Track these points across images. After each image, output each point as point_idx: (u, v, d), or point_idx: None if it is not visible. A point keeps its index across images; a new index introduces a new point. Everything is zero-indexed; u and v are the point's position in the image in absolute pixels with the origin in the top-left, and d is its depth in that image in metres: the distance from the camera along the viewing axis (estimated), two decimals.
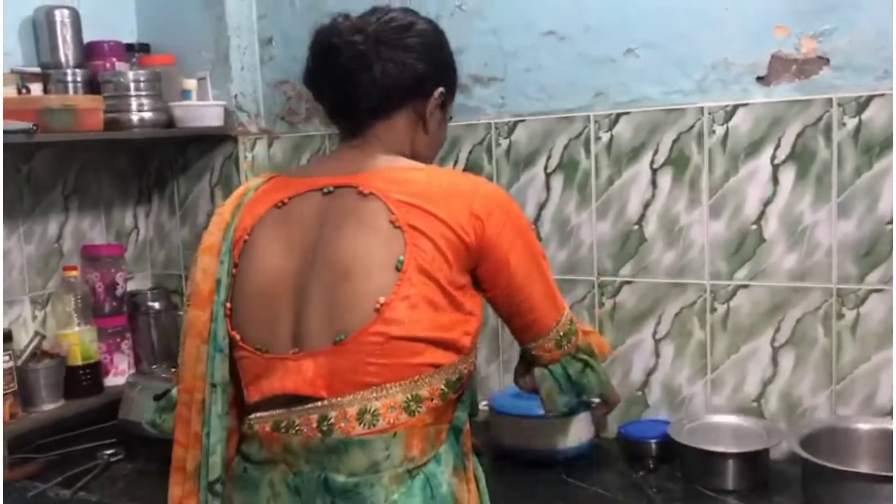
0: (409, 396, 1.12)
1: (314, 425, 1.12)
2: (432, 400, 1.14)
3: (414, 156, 1.26)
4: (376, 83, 1.19)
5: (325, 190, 1.19)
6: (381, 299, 1.10)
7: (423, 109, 1.25)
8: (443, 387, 1.15)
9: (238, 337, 1.19)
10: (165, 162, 2.33)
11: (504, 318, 1.28)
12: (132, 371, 2.17)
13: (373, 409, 1.11)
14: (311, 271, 1.15)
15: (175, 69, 2.16)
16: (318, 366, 1.12)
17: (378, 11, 1.24)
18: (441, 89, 1.26)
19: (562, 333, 1.28)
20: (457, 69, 1.32)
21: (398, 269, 1.11)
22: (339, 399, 1.11)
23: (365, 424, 1.10)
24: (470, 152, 2.02)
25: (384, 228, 1.13)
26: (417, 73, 1.21)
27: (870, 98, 1.60)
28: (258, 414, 1.17)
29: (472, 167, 2.02)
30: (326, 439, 1.11)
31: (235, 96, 2.20)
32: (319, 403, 1.12)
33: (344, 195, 1.18)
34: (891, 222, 1.61)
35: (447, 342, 1.15)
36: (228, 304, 1.20)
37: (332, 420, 1.11)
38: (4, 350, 1.85)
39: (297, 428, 1.13)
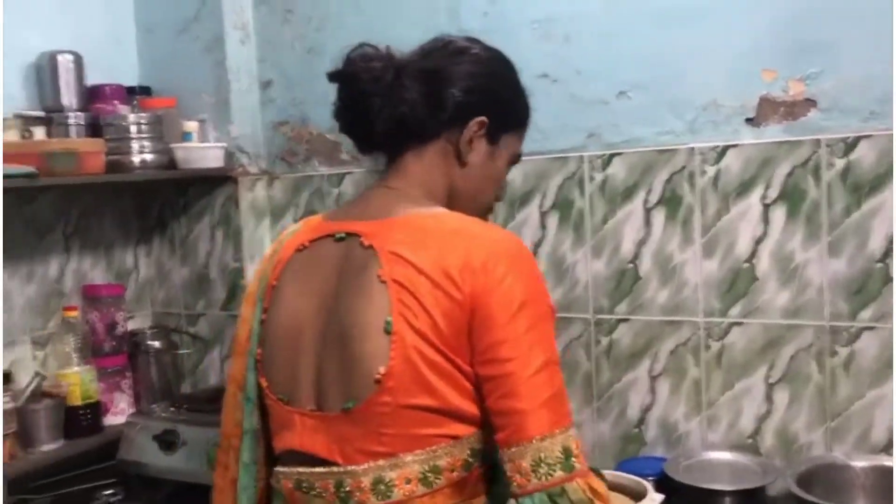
0: (427, 467, 1.04)
1: (332, 490, 1.07)
2: (453, 471, 1.06)
3: (453, 193, 1.19)
4: (394, 109, 1.13)
5: (337, 236, 1.15)
6: (381, 369, 1.03)
7: (458, 140, 1.17)
8: (467, 457, 1.07)
9: (265, 384, 1.17)
10: (167, 203, 2.35)
11: (488, 410, 1.05)
12: (132, 411, 2.18)
13: (387, 480, 1.04)
14: (330, 320, 1.11)
15: (176, 111, 2.20)
16: (332, 431, 1.08)
17: (438, 39, 1.21)
18: (481, 118, 1.16)
19: (543, 455, 0.98)
20: (519, 100, 1.24)
21: (388, 332, 1.03)
22: (353, 467, 1.06)
23: (379, 495, 1.04)
24: None
25: (375, 285, 1.06)
26: (454, 100, 1.15)
27: (857, 139, 1.63)
28: (282, 469, 1.15)
29: None
30: None
31: (236, 138, 2.24)
32: (335, 469, 1.07)
33: (351, 245, 1.13)
34: (881, 261, 1.64)
35: (462, 413, 1.05)
36: (259, 351, 1.19)
37: (348, 488, 1.06)
38: (5, 391, 1.86)
39: (317, 491, 1.08)
